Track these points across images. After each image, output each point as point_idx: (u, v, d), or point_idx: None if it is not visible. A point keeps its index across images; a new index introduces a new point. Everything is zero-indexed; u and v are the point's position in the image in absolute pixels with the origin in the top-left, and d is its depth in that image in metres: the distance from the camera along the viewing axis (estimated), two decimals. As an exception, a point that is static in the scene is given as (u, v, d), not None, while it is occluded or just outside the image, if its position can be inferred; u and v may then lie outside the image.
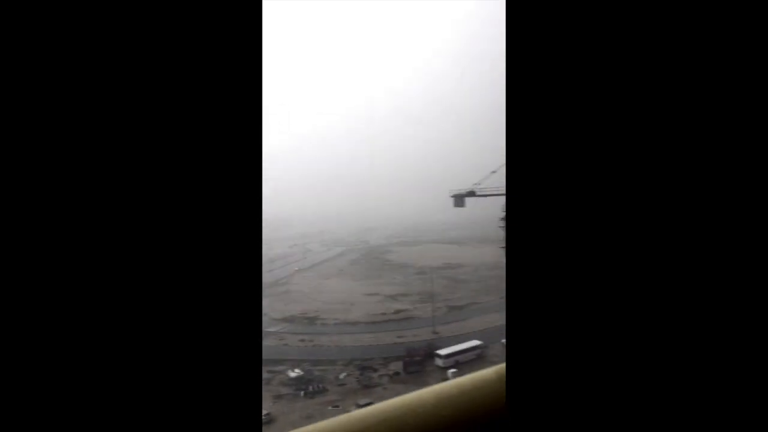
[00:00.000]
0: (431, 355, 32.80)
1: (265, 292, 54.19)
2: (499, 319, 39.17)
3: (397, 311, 45.99)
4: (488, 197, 34.06)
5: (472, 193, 35.41)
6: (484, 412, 1.08)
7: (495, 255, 49.74)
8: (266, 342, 36.87)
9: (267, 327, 40.86)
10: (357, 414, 1.09)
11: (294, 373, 31.32)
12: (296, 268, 70.97)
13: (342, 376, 31.48)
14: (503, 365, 1.14)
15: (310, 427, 1.05)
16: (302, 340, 38.32)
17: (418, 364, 32.04)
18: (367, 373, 31.52)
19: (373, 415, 1.08)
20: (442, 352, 32.36)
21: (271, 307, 47.38)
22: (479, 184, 35.12)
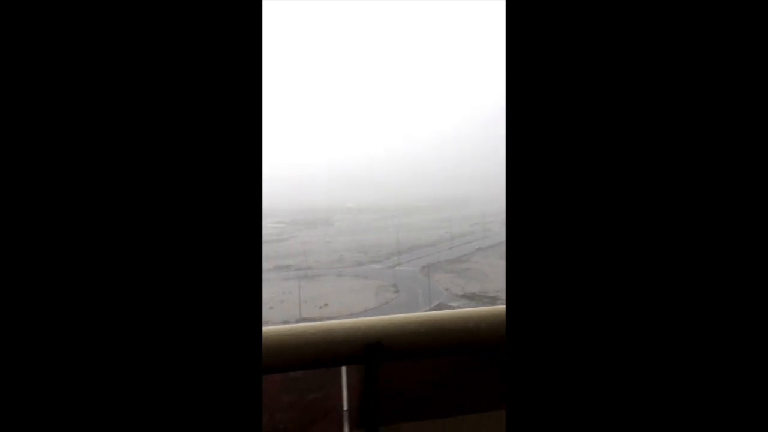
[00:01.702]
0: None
1: (447, 267, 54.04)
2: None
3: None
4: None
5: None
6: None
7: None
8: (449, 317, 36.69)
9: (448, 302, 40.51)
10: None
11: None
12: (477, 247, 69.65)
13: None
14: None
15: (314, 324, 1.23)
16: (484, 320, 37.02)
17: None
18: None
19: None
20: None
21: (452, 282, 46.92)
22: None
